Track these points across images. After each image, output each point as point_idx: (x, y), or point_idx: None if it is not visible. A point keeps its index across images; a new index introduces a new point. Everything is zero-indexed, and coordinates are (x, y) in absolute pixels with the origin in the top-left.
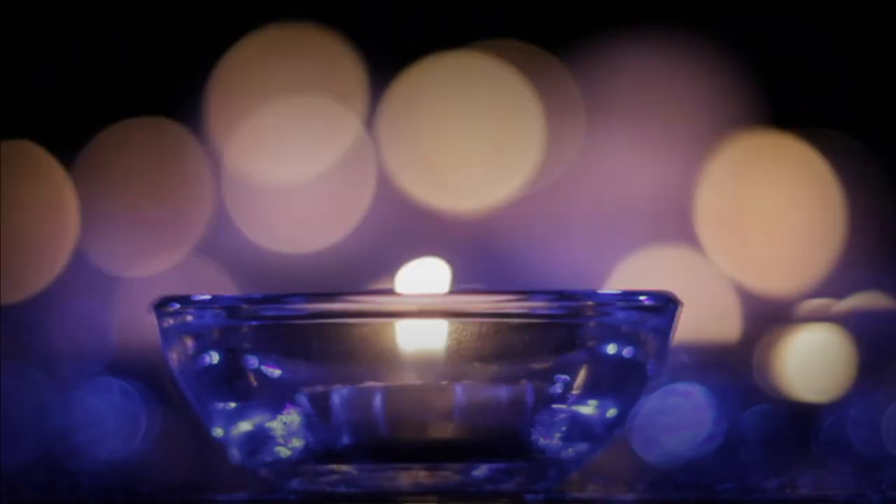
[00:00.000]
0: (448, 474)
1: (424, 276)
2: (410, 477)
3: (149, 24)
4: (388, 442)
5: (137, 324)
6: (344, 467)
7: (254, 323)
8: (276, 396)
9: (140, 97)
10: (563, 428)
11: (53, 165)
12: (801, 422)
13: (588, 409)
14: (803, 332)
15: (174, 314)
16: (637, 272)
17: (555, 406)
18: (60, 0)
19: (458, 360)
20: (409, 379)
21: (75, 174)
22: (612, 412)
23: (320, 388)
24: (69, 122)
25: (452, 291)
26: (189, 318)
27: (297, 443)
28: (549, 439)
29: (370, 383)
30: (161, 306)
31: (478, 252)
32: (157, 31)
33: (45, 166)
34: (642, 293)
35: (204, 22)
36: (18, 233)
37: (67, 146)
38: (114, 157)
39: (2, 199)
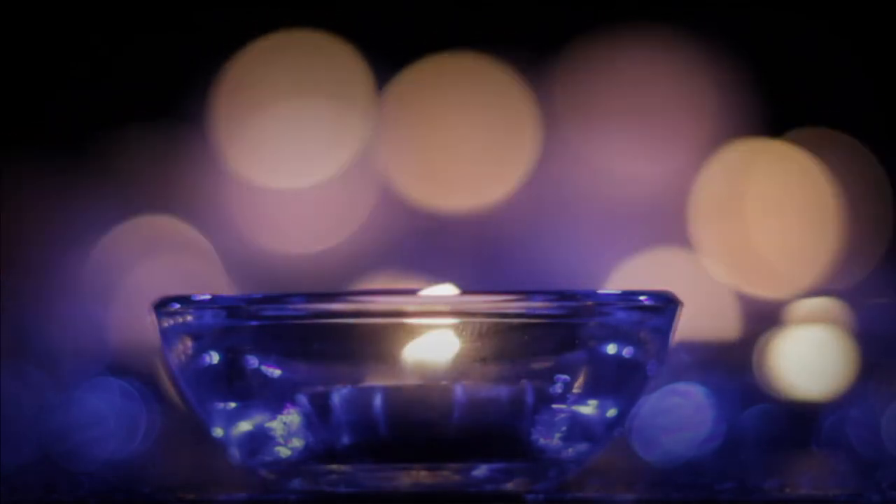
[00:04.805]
0: (448, 474)
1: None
2: (410, 477)
3: (155, 27)
4: (388, 442)
5: (137, 324)
6: (344, 467)
7: (254, 323)
8: (276, 396)
9: (145, 99)
10: (563, 428)
11: (59, 165)
12: (801, 422)
13: (588, 409)
14: (802, 332)
15: (174, 314)
16: (637, 272)
17: (555, 406)
18: (65, 1)
19: (458, 360)
20: (409, 379)
21: (79, 174)
22: (612, 412)
23: (320, 388)
24: (74, 122)
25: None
26: (189, 318)
27: (297, 443)
28: (549, 439)
29: (370, 383)
30: (161, 306)
31: (478, 252)
32: (163, 33)
33: (50, 166)
34: (642, 293)
35: (210, 26)
36: (20, 232)
37: (72, 146)
38: (118, 157)
39: (6, 199)
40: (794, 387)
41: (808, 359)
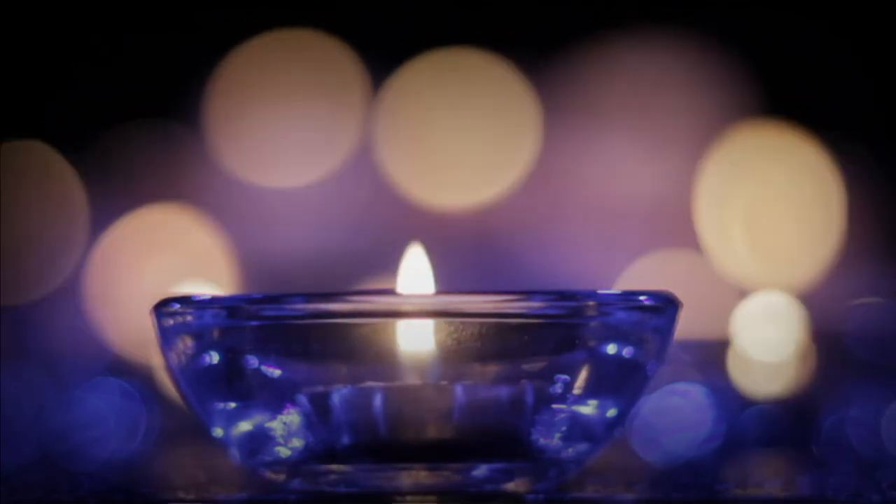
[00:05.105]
0: (448, 474)
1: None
2: (410, 477)
3: (153, 26)
4: (388, 442)
5: (137, 324)
6: (344, 467)
7: (254, 323)
8: (276, 396)
9: (143, 98)
10: (563, 428)
11: (58, 165)
12: (801, 422)
13: (588, 409)
14: (803, 329)
15: (174, 314)
16: (637, 271)
17: (555, 406)
18: (64, 2)
19: (458, 360)
20: (409, 379)
21: (79, 174)
22: (612, 412)
23: (320, 388)
24: (73, 122)
25: (452, 291)
26: (189, 318)
27: (297, 443)
28: (549, 439)
29: (370, 383)
30: (161, 306)
31: (477, 252)
32: (161, 33)
33: (49, 166)
34: (642, 293)
35: (208, 25)
36: (21, 233)
37: (71, 145)
38: (117, 157)
39: (6, 200)
40: (793, 384)
41: (807, 354)
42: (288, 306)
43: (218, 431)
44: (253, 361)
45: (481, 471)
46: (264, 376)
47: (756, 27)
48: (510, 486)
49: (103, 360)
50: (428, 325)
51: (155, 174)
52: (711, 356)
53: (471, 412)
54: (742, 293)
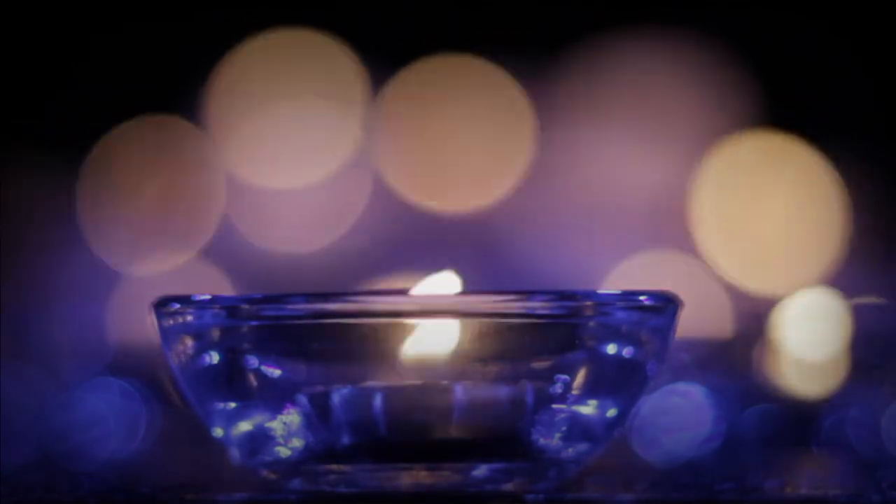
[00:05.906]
0: (448, 474)
1: (437, 287)
2: (410, 477)
3: (152, 25)
4: (388, 442)
5: (137, 324)
6: (344, 467)
7: (254, 323)
8: (276, 396)
9: (142, 98)
10: (563, 428)
11: (58, 165)
12: (801, 422)
13: (588, 409)
14: (802, 329)
15: (174, 314)
16: (637, 272)
17: (555, 406)
18: (63, 1)
19: (458, 360)
20: (409, 379)
21: (78, 173)
22: (612, 412)
23: (320, 388)
24: (73, 122)
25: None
26: (189, 318)
27: (297, 443)
28: (549, 439)
29: (370, 383)
30: (161, 306)
31: (477, 253)
32: (161, 32)
33: (49, 166)
34: (642, 293)
35: (206, 24)
36: (20, 232)
37: (71, 145)
38: (115, 157)
39: (6, 199)
40: (793, 385)
41: (807, 355)
42: (288, 306)
43: (218, 431)
44: (253, 361)
45: (481, 471)
46: (264, 376)
47: (755, 28)
48: (510, 486)
49: (103, 360)
50: (428, 325)
51: (156, 173)
52: (711, 356)
53: (471, 412)
54: (743, 294)
